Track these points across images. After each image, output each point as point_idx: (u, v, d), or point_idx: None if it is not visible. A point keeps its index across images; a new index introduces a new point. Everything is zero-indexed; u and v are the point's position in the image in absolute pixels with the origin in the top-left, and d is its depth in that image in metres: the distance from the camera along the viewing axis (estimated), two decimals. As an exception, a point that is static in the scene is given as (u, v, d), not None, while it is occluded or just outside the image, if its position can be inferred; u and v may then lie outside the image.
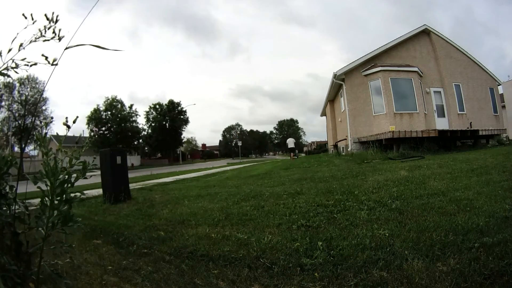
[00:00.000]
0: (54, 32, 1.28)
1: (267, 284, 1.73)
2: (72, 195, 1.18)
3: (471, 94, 13.46)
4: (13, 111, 25.73)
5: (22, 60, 1.27)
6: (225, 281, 1.80)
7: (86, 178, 1.25)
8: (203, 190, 5.69)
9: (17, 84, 25.99)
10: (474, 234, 2.02)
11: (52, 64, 1.26)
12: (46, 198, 1.14)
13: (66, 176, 1.15)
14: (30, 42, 1.27)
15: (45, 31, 1.27)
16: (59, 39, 1.28)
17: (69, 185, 1.16)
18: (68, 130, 1.27)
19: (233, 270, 1.93)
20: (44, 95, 27.24)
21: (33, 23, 1.25)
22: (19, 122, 25.32)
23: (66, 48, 1.24)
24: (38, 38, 1.28)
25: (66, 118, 1.27)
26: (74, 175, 1.19)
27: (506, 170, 4.25)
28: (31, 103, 25.99)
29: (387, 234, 2.22)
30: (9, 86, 25.28)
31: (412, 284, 1.55)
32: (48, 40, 1.29)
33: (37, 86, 27.18)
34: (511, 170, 4.27)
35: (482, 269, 1.58)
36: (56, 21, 1.27)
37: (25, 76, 26.13)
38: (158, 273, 1.95)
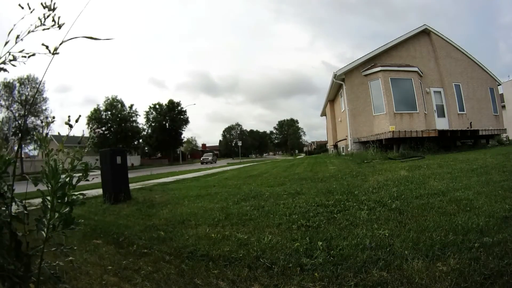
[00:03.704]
0: (53, 20, 1.22)
1: (267, 284, 1.73)
2: (74, 197, 1.16)
3: (471, 94, 13.46)
4: (13, 111, 25.72)
5: (20, 52, 1.21)
6: (225, 281, 1.80)
7: (88, 180, 1.23)
8: (203, 190, 5.69)
9: (17, 84, 25.98)
10: (474, 234, 2.02)
11: (53, 54, 1.21)
12: (47, 200, 1.13)
13: (68, 178, 1.14)
14: (29, 32, 1.21)
15: (45, 19, 1.21)
16: (59, 27, 1.22)
17: (71, 187, 1.15)
18: (71, 130, 1.24)
19: (233, 270, 1.93)
20: (44, 95, 27.22)
21: (31, 13, 1.18)
22: (19, 122, 25.29)
23: (62, 43, 1.19)
24: (38, 27, 1.22)
25: (69, 117, 1.23)
26: (76, 176, 1.18)
27: (506, 170, 4.25)
28: (31, 103, 25.98)
29: (387, 234, 2.22)
30: (9, 86, 25.26)
31: (412, 284, 1.55)
32: (48, 28, 1.22)
33: (37, 86, 27.17)
34: (511, 170, 4.27)
35: (482, 269, 1.58)
36: (54, 8, 1.21)
37: (25, 76, 26.13)
38: (158, 273, 1.95)
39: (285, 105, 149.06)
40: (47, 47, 1.19)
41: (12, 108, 25.61)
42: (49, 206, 1.13)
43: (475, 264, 1.63)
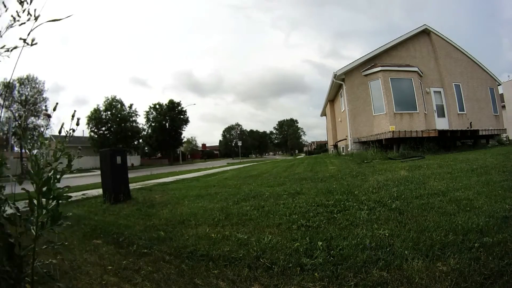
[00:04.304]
0: (29, 13, 1.25)
1: (267, 284, 1.73)
2: (60, 190, 1.15)
3: (471, 94, 13.46)
4: (13, 111, 25.72)
5: (1, 48, 1.24)
6: (225, 281, 1.80)
7: (73, 172, 1.22)
8: (203, 190, 5.69)
9: (17, 84, 25.99)
10: (474, 234, 2.02)
11: (32, 45, 1.24)
12: (33, 197, 1.12)
13: (51, 173, 1.12)
14: (7, 28, 1.24)
15: (18, 15, 1.25)
16: (36, 18, 1.25)
17: (55, 181, 1.14)
18: (49, 120, 1.24)
19: (233, 270, 1.93)
20: (44, 95, 27.22)
21: (6, 11, 1.22)
22: (19, 122, 25.29)
23: (31, 30, 1.21)
24: (14, 23, 1.25)
25: (45, 105, 1.25)
26: (60, 169, 1.16)
27: (506, 170, 4.25)
28: (31, 103, 25.99)
29: (387, 234, 2.22)
30: (9, 86, 25.25)
31: (412, 284, 1.55)
32: (24, 23, 1.26)
33: (37, 86, 27.19)
34: (511, 170, 4.27)
35: (482, 269, 1.58)
36: (30, 1, 1.24)
37: (24, 76, 26.15)
38: (158, 273, 1.95)
39: (278, 105, 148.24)
40: (24, 40, 1.23)
41: (12, 108, 25.61)
42: (36, 204, 1.12)
43: (475, 264, 1.63)
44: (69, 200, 1.22)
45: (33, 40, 1.24)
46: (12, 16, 1.24)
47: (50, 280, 1.19)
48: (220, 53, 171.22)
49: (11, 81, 24.85)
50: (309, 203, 3.48)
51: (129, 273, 1.97)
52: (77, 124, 1.27)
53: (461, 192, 3.24)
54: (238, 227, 2.87)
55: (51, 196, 1.14)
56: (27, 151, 1.16)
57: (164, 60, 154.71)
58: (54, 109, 1.26)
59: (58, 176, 1.15)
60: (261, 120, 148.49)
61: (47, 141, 1.22)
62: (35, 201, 1.13)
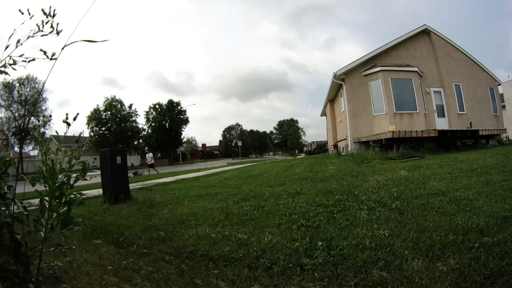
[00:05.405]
0: (52, 26, 1.25)
1: (267, 284, 1.73)
2: (72, 196, 1.16)
3: (471, 94, 13.46)
4: (13, 111, 25.74)
5: (20, 56, 1.24)
6: (225, 281, 1.80)
7: (86, 179, 1.23)
8: (203, 190, 5.69)
9: (17, 84, 26.00)
10: (474, 234, 2.02)
11: (51, 59, 1.23)
12: (45, 200, 1.13)
13: (65, 178, 1.14)
14: (28, 37, 1.24)
15: (43, 25, 1.25)
16: (57, 33, 1.25)
17: (68, 186, 1.14)
18: (68, 128, 1.24)
19: (233, 270, 1.93)
20: (44, 95, 27.25)
21: (30, 18, 1.22)
22: (19, 122, 25.31)
23: (64, 47, 1.22)
24: (36, 33, 1.25)
25: (66, 114, 1.23)
26: (74, 176, 1.17)
27: (506, 170, 4.25)
28: (30, 103, 26.00)
29: (387, 234, 2.22)
30: (8, 86, 25.28)
31: (412, 284, 1.55)
32: (46, 34, 1.26)
33: (37, 86, 27.17)
34: (511, 170, 4.27)
35: (482, 269, 1.57)
36: (54, 15, 1.24)
37: (24, 76, 26.17)
38: (158, 273, 1.95)
39: (268, 105, 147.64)
40: (45, 52, 1.22)
41: (12, 108, 25.64)
42: (47, 206, 1.12)
43: (475, 264, 1.63)
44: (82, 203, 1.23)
45: (53, 54, 1.23)
46: (36, 24, 1.24)
47: (56, 282, 1.19)
48: (199, 51, 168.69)
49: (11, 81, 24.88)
50: (309, 203, 3.48)
51: (129, 273, 1.97)
52: (74, 119, 1.27)
53: (461, 192, 3.24)
54: (238, 227, 2.87)
55: (63, 201, 1.15)
56: (43, 155, 1.16)
57: (137, 59, 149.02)
58: (75, 119, 1.26)
59: (71, 183, 1.16)
60: (252, 120, 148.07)
61: (64, 149, 1.23)
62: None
